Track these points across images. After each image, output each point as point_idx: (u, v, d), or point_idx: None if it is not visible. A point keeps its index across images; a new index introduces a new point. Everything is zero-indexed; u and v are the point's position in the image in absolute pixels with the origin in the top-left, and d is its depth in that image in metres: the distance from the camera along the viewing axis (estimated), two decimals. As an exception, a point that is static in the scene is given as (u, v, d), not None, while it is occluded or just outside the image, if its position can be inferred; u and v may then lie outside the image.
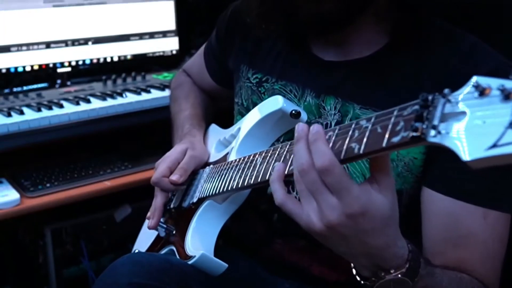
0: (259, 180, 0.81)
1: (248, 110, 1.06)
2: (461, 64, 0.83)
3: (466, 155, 0.51)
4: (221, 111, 1.33)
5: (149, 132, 1.67)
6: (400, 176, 0.87)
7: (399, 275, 0.69)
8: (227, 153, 1.03)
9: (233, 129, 1.08)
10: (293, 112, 0.93)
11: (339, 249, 0.69)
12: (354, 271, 0.73)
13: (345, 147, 0.65)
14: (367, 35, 0.91)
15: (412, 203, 0.88)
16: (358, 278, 0.73)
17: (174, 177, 1.03)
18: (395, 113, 0.61)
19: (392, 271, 0.69)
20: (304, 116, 0.94)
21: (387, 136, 0.60)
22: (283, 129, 0.97)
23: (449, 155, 0.76)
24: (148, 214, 1.07)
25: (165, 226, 1.07)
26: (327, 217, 0.64)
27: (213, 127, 1.23)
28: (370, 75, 0.90)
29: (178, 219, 1.06)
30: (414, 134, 0.56)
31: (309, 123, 0.93)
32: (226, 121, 1.17)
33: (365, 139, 0.63)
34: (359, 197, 0.63)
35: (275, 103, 0.95)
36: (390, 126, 0.60)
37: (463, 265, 0.82)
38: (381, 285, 0.70)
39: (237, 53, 1.12)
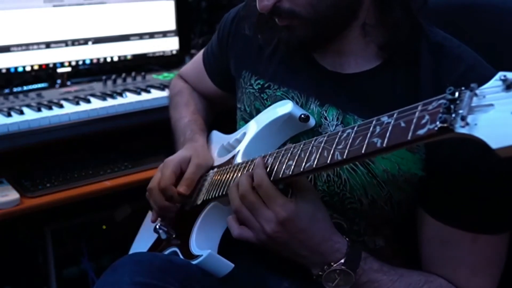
0: (271, 179, 0.82)
1: (251, 116, 1.06)
2: (449, 73, 0.84)
3: (495, 144, 0.52)
4: (222, 117, 1.33)
5: (149, 132, 1.67)
6: (400, 188, 0.88)
7: (340, 267, 0.80)
8: (233, 157, 1.03)
9: (237, 134, 1.08)
10: (302, 116, 0.93)
11: (288, 253, 0.84)
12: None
13: (366, 142, 0.67)
14: (359, 49, 0.91)
15: (411, 213, 0.91)
16: (314, 276, 0.84)
17: (181, 189, 1.03)
18: (419, 108, 0.63)
19: (332, 264, 0.81)
20: (312, 120, 0.94)
21: (412, 129, 0.61)
22: (290, 133, 0.97)
23: (443, 179, 0.83)
24: (154, 215, 1.08)
25: (165, 228, 1.07)
26: (267, 230, 0.81)
27: (215, 133, 1.23)
28: (369, 91, 0.90)
29: (180, 221, 1.06)
30: (442, 125, 0.57)
31: (312, 130, 0.94)
32: (228, 127, 1.17)
33: (388, 134, 0.65)
34: (284, 205, 0.80)
35: (285, 107, 0.95)
36: (415, 120, 0.62)
37: (450, 280, 0.87)
38: (327, 277, 0.81)
39: (240, 58, 1.12)
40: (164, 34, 1.92)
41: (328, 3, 0.84)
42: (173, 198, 1.04)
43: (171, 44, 1.94)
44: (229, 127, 1.16)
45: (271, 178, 0.82)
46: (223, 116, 1.32)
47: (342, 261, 0.81)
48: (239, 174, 0.91)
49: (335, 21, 0.87)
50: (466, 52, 0.87)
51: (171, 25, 1.93)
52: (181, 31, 1.95)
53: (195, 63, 1.36)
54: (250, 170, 0.88)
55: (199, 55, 1.34)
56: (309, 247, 0.82)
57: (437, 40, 0.88)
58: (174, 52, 1.95)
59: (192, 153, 1.09)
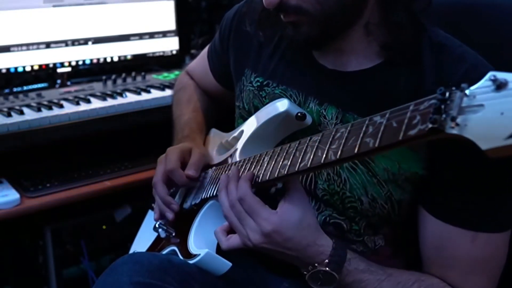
0: (267, 179, 0.82)
1: (250, 113, 1.06)
2: (451, 72, 0.84)
3: (484, 145, 0.53)
4: (221, 115, 1.33)
5: (149, 132, 1.67)
6: (400, 187, 0.89)
7: (323, 268, 0.82)
8: (231, 155, 1.03)
9: (235, 132, 1.08)
10: (299, 114, 0.93)
11: (278, 257, 0.85)
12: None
13: (359, 141, 0.68)
14: (361, 48, 0.91)
15: (411, 212, 0.91)
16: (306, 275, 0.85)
17: (190, 171, 1.03)
18: (410, 108, 0.63)
19: (316, 265, 0.83)
20: (309, 118, 0.94)
21: (403, 129, 0.62)
22: (287, 132, 0.97)
23: (444, 178, 0.83)
24: (157, 212, 1.08)
25: (165, 227, 1.07)
26: (253, 239, 0.83)
27: (214, 131, 1.23)
28: (370, 89, 0.90)
29: (179, 220, 1.06)
30: (433, 126, 0.57)
31: (310, 128, 0.94)
32: (227, 125, 1.17)
33: (380, 134, 0.65)
34: (267, 219, 0.82)
35: (281, 105, 0.95)
36: (406, 120, 0.62)
37: (448, 281, 0.87)
38: (312, 277, 0.83)
39: (240, 56, 1.12)
40: (164, 34, 1.92)
41: (336, 0, 0.84)
42: (180, 181, 1.04)
43: (171, 44, 1.94)
44: (229, 125, 1.16)
45: (267, 178, 0.82)
46: (222, 113, 1.32)
47: (326, 262, 0.82)
48: None
49: (342, 19, 0.86)
50: (468, 51, 0.87)
51: (171, 25, 1.93)
52: (181, 31, 1.95)
53: (201, 59, 1.36)
54: (244, 173, 0.88)
55: (204, 51, 1.34)
56: (295, 252, 0.83)
57: (438, 40, 0.88)
58: (174, 52, 1.95)
59: (193, 145, 1.10)
